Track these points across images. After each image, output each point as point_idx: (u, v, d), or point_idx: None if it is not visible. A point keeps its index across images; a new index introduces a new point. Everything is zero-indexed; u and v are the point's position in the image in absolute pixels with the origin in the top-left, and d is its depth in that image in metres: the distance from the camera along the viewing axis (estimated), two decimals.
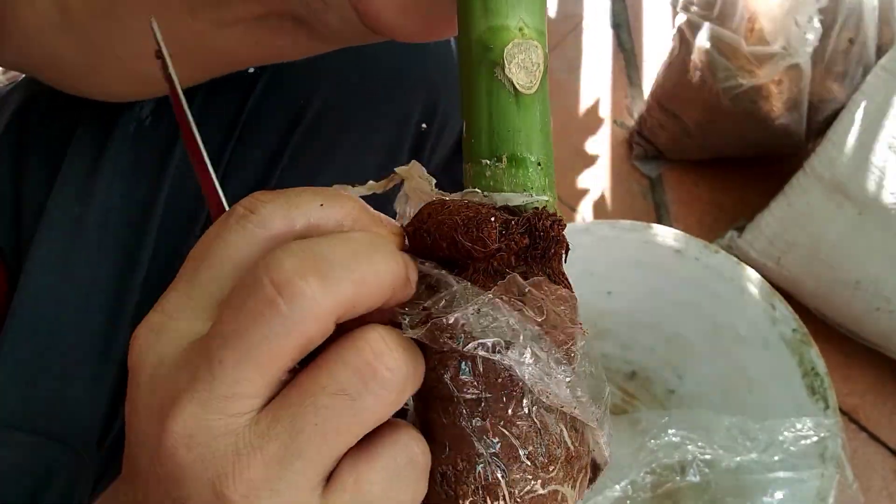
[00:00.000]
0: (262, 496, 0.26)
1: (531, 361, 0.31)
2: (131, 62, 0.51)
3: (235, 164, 0.60)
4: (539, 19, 0.34)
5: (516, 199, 0.33)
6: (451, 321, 0.30)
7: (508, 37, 0.33)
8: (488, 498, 0.31)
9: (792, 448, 0.68)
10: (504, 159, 0.33)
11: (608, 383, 0.34)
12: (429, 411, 0.32)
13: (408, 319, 0.30)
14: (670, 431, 0.75)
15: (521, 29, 0.33)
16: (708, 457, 0.67)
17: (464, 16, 0.34)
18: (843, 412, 1.17)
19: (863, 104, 1.12)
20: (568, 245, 0.33)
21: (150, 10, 0.45)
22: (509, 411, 0.31)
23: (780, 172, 1.22)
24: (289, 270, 0.26)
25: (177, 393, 0.27)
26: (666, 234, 0.91)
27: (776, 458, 0.67)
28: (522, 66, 0.33)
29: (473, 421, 0.31)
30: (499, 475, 0.31)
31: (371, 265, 0.28)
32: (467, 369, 0.31)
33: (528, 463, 0.31)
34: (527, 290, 0.31)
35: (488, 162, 0.33)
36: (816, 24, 1.14)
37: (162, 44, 0.34)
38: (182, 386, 0.27)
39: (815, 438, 0.67)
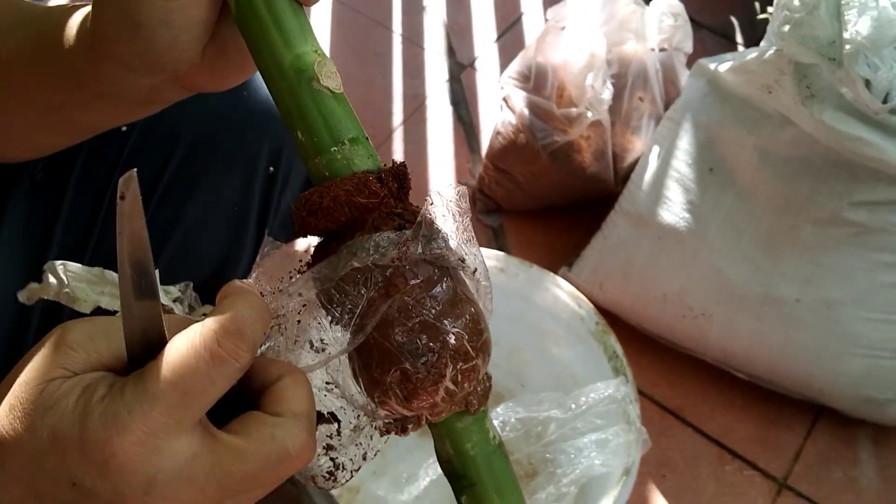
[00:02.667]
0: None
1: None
2: (21, 139, 0.60)
3: (111, 211, 0.70)
4: (316, 42, 0.43)
5: (363, 165, 0.42)
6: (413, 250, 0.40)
7: (312, 58, 0.42)
8: (463, 360, 0.40)
9: (596, 408, 0.83)
10: (347, 142, 0.41)
11: None
12: (378, 335, 0.39)
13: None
14: (499, 416, 0.88)
15: (315, 51, 0.42)
16: (521, 415, 0.82)
17: (269, 56, 0.42)
18: (671, 412, 1.31)
19: (655, 149, 1.29)
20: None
21: (14, 109, 0.55)
22: (449, 294, 0.40)
23: (598, 213, 1.37)
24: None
25: None
26: (489, 256, 1.06)
27: (580, 412, 0.81)
28: (328, 76, 0.42)
29: (432, 311, 0.39)
30: (464, 340, 0.40)
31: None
32: (416, 278, 0.39)
33: (471, 321, 0.40)
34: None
35: (336, 148, 0.41)
36: (609, 86, 1.35)
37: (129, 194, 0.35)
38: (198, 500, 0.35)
39: (607, 393, 0.81)
